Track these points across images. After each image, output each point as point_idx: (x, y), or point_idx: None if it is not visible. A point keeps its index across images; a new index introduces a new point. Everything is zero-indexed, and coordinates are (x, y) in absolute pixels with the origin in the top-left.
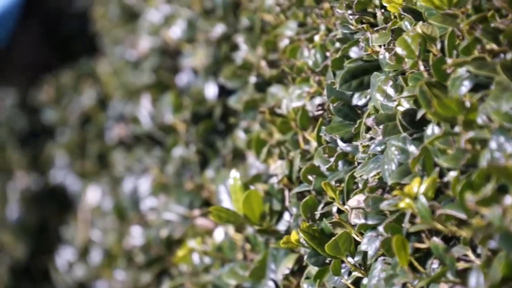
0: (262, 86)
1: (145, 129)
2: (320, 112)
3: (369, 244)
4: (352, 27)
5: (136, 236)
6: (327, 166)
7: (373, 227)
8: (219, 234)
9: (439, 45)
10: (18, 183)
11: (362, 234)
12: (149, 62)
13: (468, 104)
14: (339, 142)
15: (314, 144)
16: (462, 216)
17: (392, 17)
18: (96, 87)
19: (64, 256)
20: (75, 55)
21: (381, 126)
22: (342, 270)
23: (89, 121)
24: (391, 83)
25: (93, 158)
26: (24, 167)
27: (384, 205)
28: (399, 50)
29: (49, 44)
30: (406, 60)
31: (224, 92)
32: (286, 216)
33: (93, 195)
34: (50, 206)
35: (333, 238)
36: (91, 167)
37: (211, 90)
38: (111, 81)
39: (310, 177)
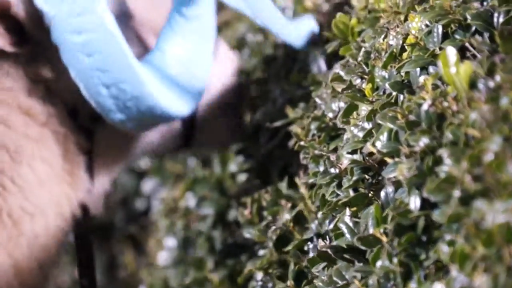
0: (467, 200)
1: (347, 242)
2: None
3: None
4: None
5: None
6: None
7: None
8: None
9: None
10: None
11: None
12: (350, 177)
13: None
14: None
15: None
16: None
17: None
18: (296, 203)
19: None
20: (274, 172)
21: None
22: None
23: (289, 237)
24: None
25: (293, 274)
26: (223, 283)
27: None
28: None
29: (246, 162)
30: None
31: (428, 205)
32: None
33: None
34: None
35: None
36: (292, 283)
37: (414, 203)
38: (312, 197)
39: None
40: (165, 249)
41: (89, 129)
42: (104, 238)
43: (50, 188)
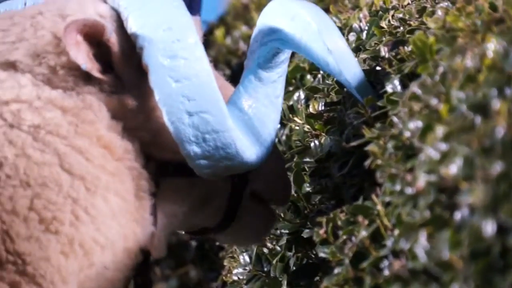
0: None
1: (421, 264)
2: None
3: None
4: None
5: None
6: None
7: None
8: None
9: None
10: None
11: None
12: (426, 198)
13: None
14: None
15: None
16: None
17: None
18: (373, 220)
19: None
20: (349, 193)
21: None
22: None
23: (365, 254)
24: None
25: None
26: None
27: None
28: None
29: (319, 187)
30: None
31: (503, 230)
32: None
33: None
34: None
35: None
36: None
37: (489, 228)
38: (387, 216)
39: None
40: (240, 265)
41: (156, 177)
42: (177, 259)
43: (120, 222)
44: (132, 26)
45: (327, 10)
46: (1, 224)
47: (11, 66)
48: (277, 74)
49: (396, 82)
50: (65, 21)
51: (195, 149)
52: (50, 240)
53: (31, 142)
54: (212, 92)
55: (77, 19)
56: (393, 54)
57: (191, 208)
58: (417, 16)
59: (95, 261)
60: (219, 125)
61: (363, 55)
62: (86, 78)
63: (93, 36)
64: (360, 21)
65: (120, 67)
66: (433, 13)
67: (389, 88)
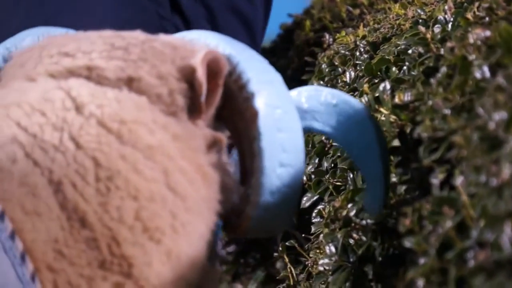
0: None
1: (506, 255)
2: None
3: None
4: None
5: None
6: None
7: None
8: None
9: None
10: None
11: None
12: (511, 189)
13: None
14: None
15: None
16: None
17: None
18: (457, 213)
19: None
20: (435, 183)
21: None
22: None
23: (450, 244)
24: None
25: (453, 281)
26: None
27: None
28: None
29: (405, 178)
30: None
31: None
32: None
33: None
34: None
35: None
36: None
37: None
38: (472, 207)
39: None
40: (326, 256)
41: None
42: (263, 252)
43: (202, 245)
44: (241, 73)
45: (411, 3)
46: (108, 230)
47: (129, 83)
48: None
49: (485, 68)
50: (176, 50)
51: (268, 199)
52: (153, 248)
53: (143, 160)
54: (301, 147)
55: (210, 50)
56: (483, 40)
57: None
58: (504, 4)
59: (186, 274)
60: (297, 181)
61: (449, 44)
62: (191, 109)
63: (210, 71)
64: (445, 13)
65: (212, 106)
66: None
67: (478, 75)
